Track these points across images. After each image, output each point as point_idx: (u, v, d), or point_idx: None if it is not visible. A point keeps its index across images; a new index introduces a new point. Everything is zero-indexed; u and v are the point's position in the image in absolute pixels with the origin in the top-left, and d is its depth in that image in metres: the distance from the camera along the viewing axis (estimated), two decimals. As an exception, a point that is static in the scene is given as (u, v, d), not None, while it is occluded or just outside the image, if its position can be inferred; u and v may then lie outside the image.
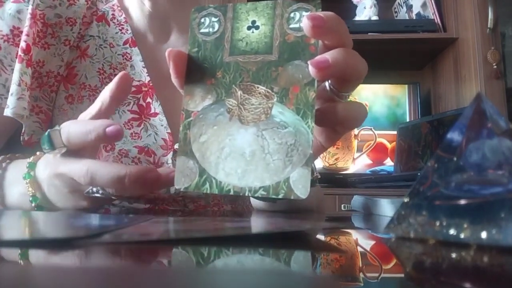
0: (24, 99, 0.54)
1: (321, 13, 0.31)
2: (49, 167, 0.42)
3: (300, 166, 0.30)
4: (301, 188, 0.30)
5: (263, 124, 0.32)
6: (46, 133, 0.41)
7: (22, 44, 0.55)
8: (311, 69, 0.31)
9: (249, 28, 0.34)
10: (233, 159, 0.31)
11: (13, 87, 0.53)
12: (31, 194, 0.43)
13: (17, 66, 0.54)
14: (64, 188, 0.42)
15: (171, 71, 0.34)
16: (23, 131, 0.56)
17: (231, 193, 0.31)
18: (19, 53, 0.55)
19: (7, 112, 0.53)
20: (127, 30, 0.62)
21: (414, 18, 1.60)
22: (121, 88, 0.41)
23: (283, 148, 0.31)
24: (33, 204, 0.43)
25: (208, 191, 0.32)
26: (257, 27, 0.33)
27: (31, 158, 0.44)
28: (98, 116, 0.41)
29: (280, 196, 0.30)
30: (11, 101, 0.53)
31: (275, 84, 0.32)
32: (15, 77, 0.54)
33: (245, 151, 0.31)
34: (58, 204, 0.43)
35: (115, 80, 0.41)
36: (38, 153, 0.45)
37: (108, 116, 0.43)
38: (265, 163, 0.31)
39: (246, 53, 0.33)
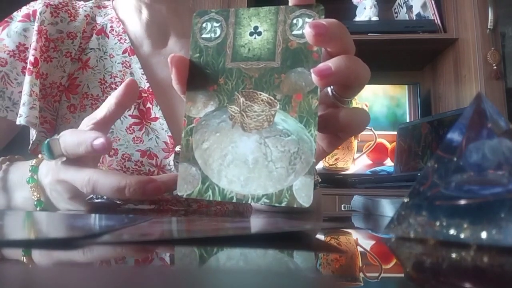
0: (35, 109, 0.56)
1: (323, 21, 0.31)
2: (51, 173, 0.42)
3: (303, 174, 0.30)
4: (304, 196, 0.29)
5: (266, 131, 0.31)
6: (46, 142, 0.41)
7: (31, 58, 0.58)
8: (314, 77, 0.30)
9: (251, 34, 0.33)
10: (235, 166, 0.31)
11: (25, 98, 0.56)
12: (36, 199, 0.43)
13: (27, 78, 0.57)
14: (66, 194, 0.42)
15: (173, 76, 0.34)
16: (31, 140, 0.58)
17: (234, 200, 0.31)
18: (28, 66, 0.58)
19: (21, 120, 0.55)
20: (125, 39, 0.64)
21: (414, 18, 1.60)
22: (127, 94, 0.41)
23: (286, 156, 0.31)
24: (38, 209, 0.43)
25: (211, 198, 0.31)
26: (259, 33, 0.33)
27: (34, 162, 0.45)
28: (102, 121, 0.42)
29: (283, 204, 0.30)
30: (24, 110, 0.55)
31: (278, 91, 0.32)
32: (26, 88, 0.56)
33: (247, 159, 0.31)
34: (61, 207, 0.43)
35: (122, 86, 0.41)
36: (40, 156, 0.45)
37: (113, 122, 0.43)
38: (268, 171, 0.31)
39: (249, 59, 0.33)
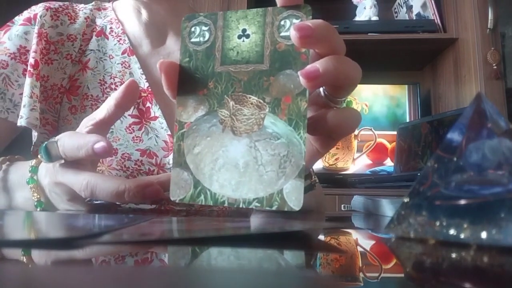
0: (36, 110, 0.57)
1: (309, 22, 0.30)
2: (49, 174, 0.42)
3: (293, 178, 0.30)
4: (294, 200, 0.29)
5: (256, 135, 0.31)
6: (44, 144, 0.41)
7: (31, 60, 0.58)
8: (302, 80, 0.30)
9: (239, 36, 0.33)
10: (227, 170, 0.31)
11: (26, 99, 0.56)
12: (36, 200, 0.43)
13: (28, 80, 0.57)
14: (64, 196, 0.42)
15: (163, 82, 0.34)
16: (34, 142, 0.59)
17: (226, 204, 0.31)
18: (29, 68, 0.58)
19: (22, 122, 0.55)
20: (125, 40, 0.65)
21: (414, 18, 1.60)
22: (126, 96, 0.41)
23: (276, 160, 0.30)
24: (38, 209, 0.43)
25: (203, 203, 0.31)
26: (247, 36, 0.33)
27: (33, 162, 0.45)
28: (101, 122, 0.41)
29: (273, 208, 0.30)
30: (24, 112, 0.56)
31: (267, 94, 0.32)
32: (27, 90, 0.57)
33: (238, 163, 0.31)
34: (61, 208, 0.43)
35: (122, 88, 0.41)
36: (39, 155, 0.45)
37: (113, 123, 0.43)
38: (259, 175, 0.31)
39: (237, 62, 0.33)
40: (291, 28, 0.30)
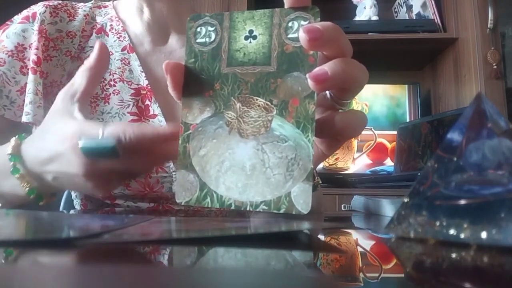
0: (41, 108, 0.57)
1: (318, 24, 0.30)
2: (71, 167, 0.36)
3: (301, 181, 0.30)
4: (302, 203, 0.29)
5: (263, 137, 0.31)
6: (110, 145, 0.33)
7: (33, 57, 0.58)
8: (310, 82, 0.30)
9: (246, 38, 0.33)
10: (233, 173, 0.31)
11: (31, 96, 0.56)
12: (27, 188, 0.41)
13: (31, 77, 0.57)
14: (90, 183, 0.38)
15: (169, 83, 0.33)
16: None
17: (232, 207, 0.30)
18: (31, 65, 0.58)
19: (28, 118, 0.56)
20: (125, 37, 0.65)
21: (414, 18, 1.60)
22: (101, 58, 0.39)
23: (283, 163, 0.30)
24: (31, 196, 0.42)
25: (209, 205, 0.31)
26: (254, 37, 0.33)
27: (10, 149, 0.41)
28: (85, 94, 0.39)
29: (281, 211, 0.29)
30: (31, 108, 0.56)
31: (274, 97, 0.31)
32: (31, 86, 0.57)
33: (245, 165, 0.31)
34: (66, 189, 0.41)
35: (95, 55, 0.39)
36: (12, 140, 0.42)
37: (93, 92, 0.41)
38: (266, 178, 0.30)
39: (244, 64, 0.32)
40: (300, 30, 0.30)
